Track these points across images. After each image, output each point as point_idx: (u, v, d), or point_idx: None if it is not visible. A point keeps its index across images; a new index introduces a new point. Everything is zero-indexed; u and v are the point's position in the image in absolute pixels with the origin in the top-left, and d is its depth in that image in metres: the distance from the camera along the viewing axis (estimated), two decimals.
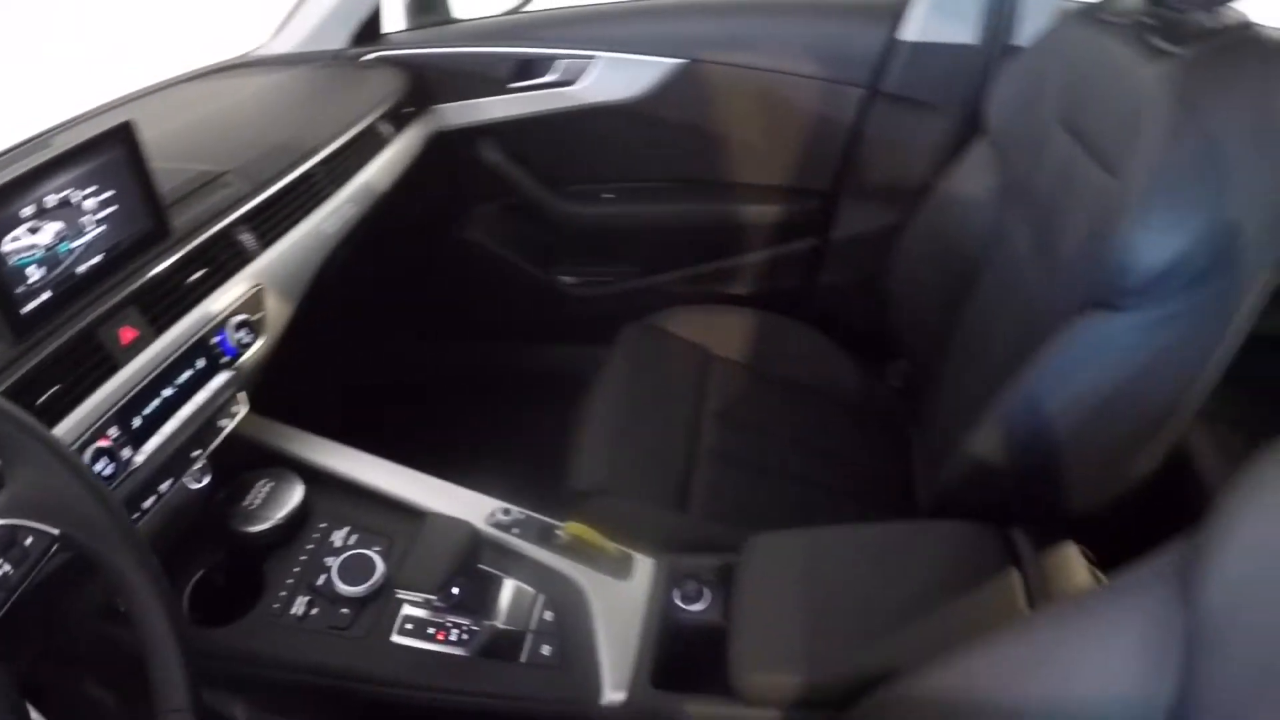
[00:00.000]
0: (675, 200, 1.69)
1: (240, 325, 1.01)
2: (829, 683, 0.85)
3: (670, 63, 1.56)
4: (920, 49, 1.46)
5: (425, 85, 1.58)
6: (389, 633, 0.96)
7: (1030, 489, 1.01)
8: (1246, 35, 0.91)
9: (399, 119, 1.49)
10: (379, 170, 1.38)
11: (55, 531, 0.62)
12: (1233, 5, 0.93)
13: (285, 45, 1.57)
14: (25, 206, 0.81)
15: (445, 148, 1.61)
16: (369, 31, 1.60)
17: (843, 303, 1.68)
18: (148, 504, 0.93)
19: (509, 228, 1.76)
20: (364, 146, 1.36)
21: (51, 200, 0.83)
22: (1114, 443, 0.96)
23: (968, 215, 1.28)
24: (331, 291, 1.24)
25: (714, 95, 1.59)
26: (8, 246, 0.79)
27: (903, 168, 1.54)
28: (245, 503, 1.05)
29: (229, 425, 1.05)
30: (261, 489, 1.07)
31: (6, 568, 0.64)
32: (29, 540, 0.64)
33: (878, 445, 1.40)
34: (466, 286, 1.80)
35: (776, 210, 1.67)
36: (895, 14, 1.47)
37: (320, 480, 1.11)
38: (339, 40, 1.57)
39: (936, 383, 1.30)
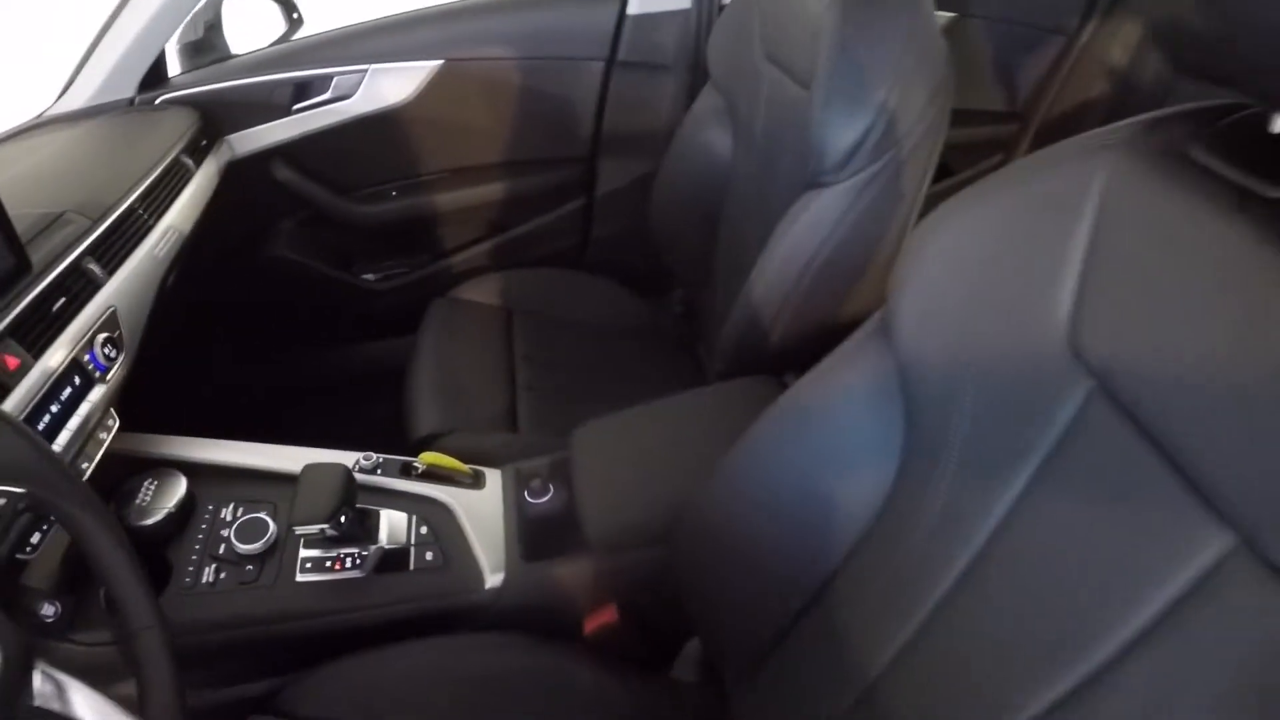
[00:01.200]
0: (454, 187, 1.89)
1: (105, 342, 1.14)
2: (657, 521, 1.08)
3: (430, 65, 1.75)
4: (645, 19, 1.71)
5: (214, 119, 1.70)
6: (292, 575, 1.12)
7: (786, 342, 1.27)
8: None
9: (197, 152, 1.61)
10: (188, 200, 1.51)
11: (22, 490, 0.76)
12: None
13: (76, 102, 1.64)
14: None
15: (241, 174, 1.74)
16: (155, 77, 1.69)
17: (618, 250, 1.93)
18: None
19: (310, 238, 1.90)
20: (173, 179, 1.49)
21: None
22: (838, 291, 1.23)
23: (706, 152, 1.54)
24: (172, 309, 1.37)
25: (473, 88, 1.79)
26: None
27: (648, 124, 1.80)
28: (136, 502, 1.18)
29: (107, 438, 1.17)
30: (149, 488, 1.19)
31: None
32: (1, 502, 0.77)
33: (670, 364, 1.65)
34: (283, 298, 1.92)
35: (545, 180, 1.89)
36: None
37: (199, 471, 1.24)
38: (128, 89, 1.66)
39: (711, 296, 1.56)
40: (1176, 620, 0.50)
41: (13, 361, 1.00)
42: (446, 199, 1.88)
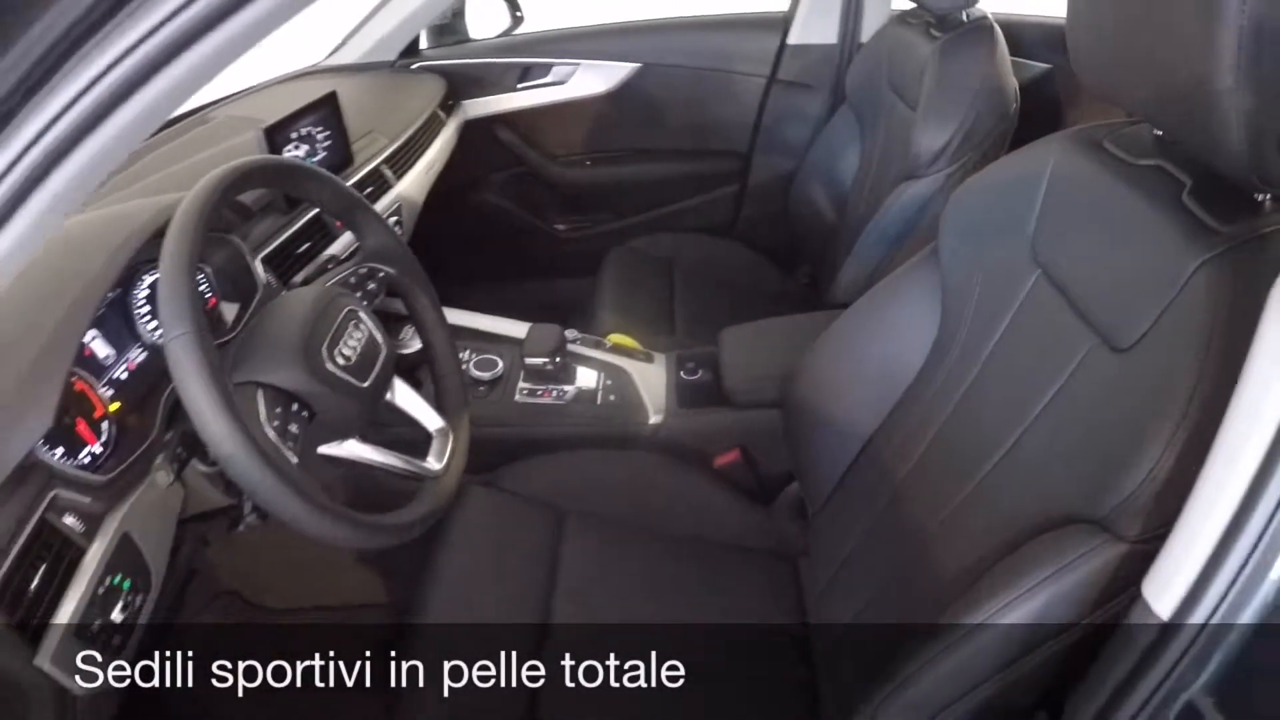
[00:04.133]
0: (636, 163, 2.36)
1: (395, 225, 1.63)
2: (775, 386, 1.46)
3: (629, 66, 2.24)
4: (800, 49, 2.17)
5: (456, 87, 2.22)
6: (512, 396, 1.58)
7: None
8: (982, 24, 1.64)
9: (445, 109, 2.13)
10: (440, 143, 2.02)
11: (393, 271, 1.22)
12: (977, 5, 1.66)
13: (347, 58, 2.18)
14: (292, 133, 1.43)
15: (472, 132, 2.25)
16: (412, 49, 2.23)
17: (761, 228, 2.37)
18: None
19: (517, 190, 2.40)
20: (433, 125, 2.00)
21: (303, 132, 1.46)
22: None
23: (838, 157, 1.99)
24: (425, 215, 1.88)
25: (660, 87, 2.27)
26: (287, 154, 1.42)
27: (795, 131, 2.25)
28: (400, 337, 1.63)
29: None
30: (408, 331, 1.63)
31: (366, 301, 1.22)
32: (380, 275, 1.23)
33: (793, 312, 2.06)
34: (485, 234, 2.42)
35: (708, 166, 2.35)
36: (785, 25, 2.18)
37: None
38: (390, 55, 2.19)
39: (831, 269, 1.98)
40: (1060, 395, 0.90)
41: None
42: (628, 171, 2.36)
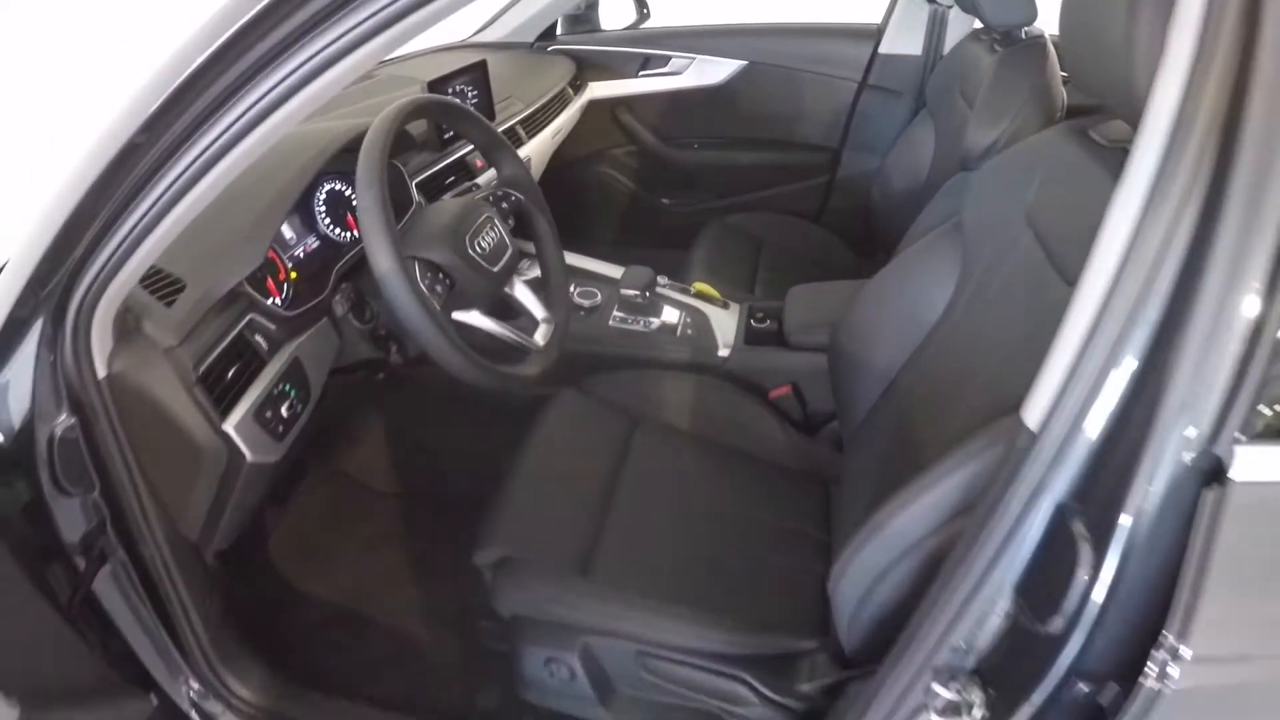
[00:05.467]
0: (738, 149, 2.63)
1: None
2: (824, 330, 1.70)
3: (738, 63, 2.51)
4: (890, 58, 2.41)
5: (584, 69, 2.53)
6: (605, 321, 1.86)
7: None
8: (1037, 42, 1.86)
9: (573, 88, 2.44)
10: (565, 117, 2.33)
11: (522, 197, 1.52)
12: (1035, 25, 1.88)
13: (491, 36, 2.52)
14: (448, 88, 1.75)
15: (595, 111, 2.55)
16: (548, 33, 2.55)
17: (845, 217, 2.61)
18: None
19: (630, 166, 2.69)
20: (561, 99, 2.31)
21: (457, 89, 1.78)
22: None
23: (918, 155, 2.21)
24: (550, 176, 2.18)
25: (764, 83, 2.53)
26: None
27: (881, 131, 2.48)
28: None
29: None
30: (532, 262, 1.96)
31: (500, 221, 1.52)
32: (511, 199, 1.53)
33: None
34: (597, 203, 2.72)
35: (802, 157, 2.60)
36: (878, 36, 2.42)
37: None
38: (530, 37, 2.53)
39: None
40: (1029, 321, 1.10)
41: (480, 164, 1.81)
42: (730, 156, 2.63)
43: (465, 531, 1.38)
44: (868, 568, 1.02)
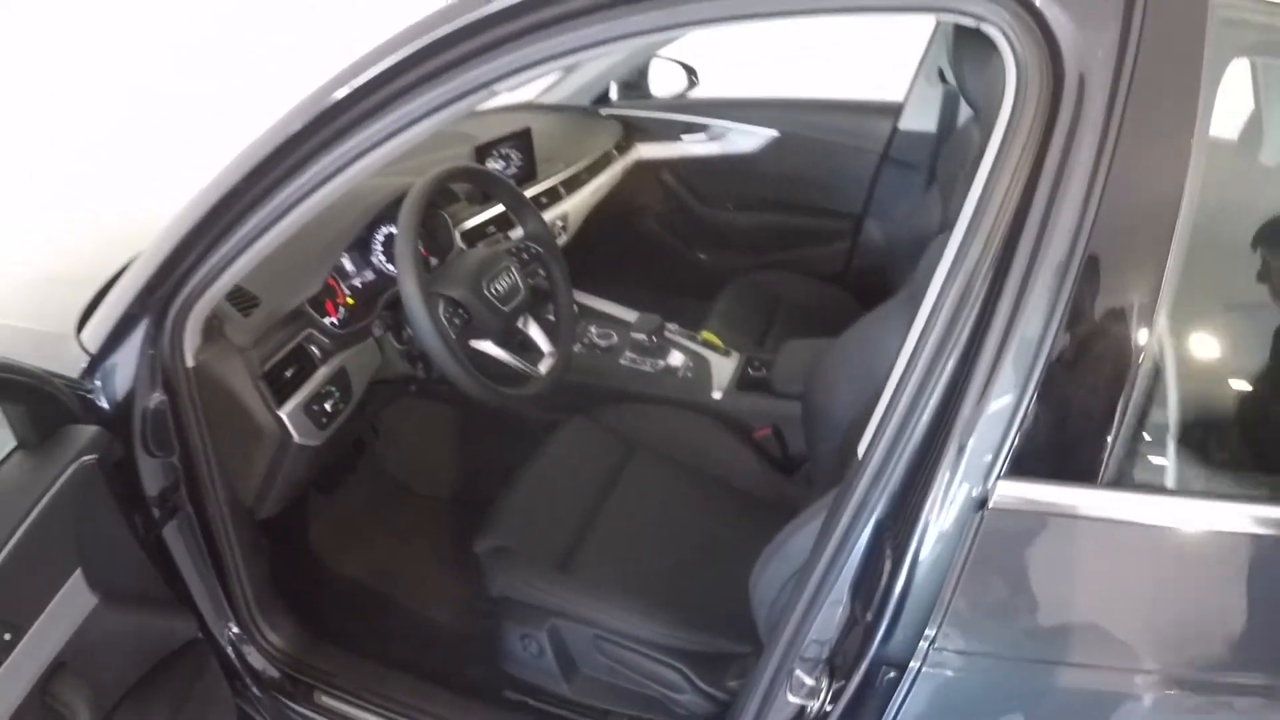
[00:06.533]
0: (767, 211, 2.87)
1: (561, 229, 2.23)
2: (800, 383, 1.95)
3: (772, 132, 2.76)
4: (907, 133, 2.63)
5: (631, 132, 2.81)
6: (618, 360, 2.12)
7: None
8: None
9: (619, 149, 2.73)
10: (609, 174, 2.62)
11: (541, 250, 1.80)
12: None
13: (553, 98, 2.82)
14: (494, 150, 2.05)
15: (639, 170, 2.83)
16: (603, 97, 2.85)
17: (864, 279, 2.82)
18: None
19: (669, 221, 2.96)
20: (607, 158, 2.60)
21: (503, 152, 2.08)
22: None
23: (929, 221, 2.43)
24: (594, 228, 2.47)
25: (796, 153, 2.77)
26: (489, 164, 2.03)
27: (900, 201, 2.70)
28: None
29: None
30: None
31: (518, 269, 1.81)
32: (532, 250, 1.81)
33: None
34: (640, 253, 2.99)
35: (828, 222, 2.83)
36: (898, 112, 2.65)
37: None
38: (586, 100, 2.82)
39: None
40: None
41: None
42: (760, 218, 2.88)
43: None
44: (776, 576, 1.25)
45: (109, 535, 1.22)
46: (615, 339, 2.17)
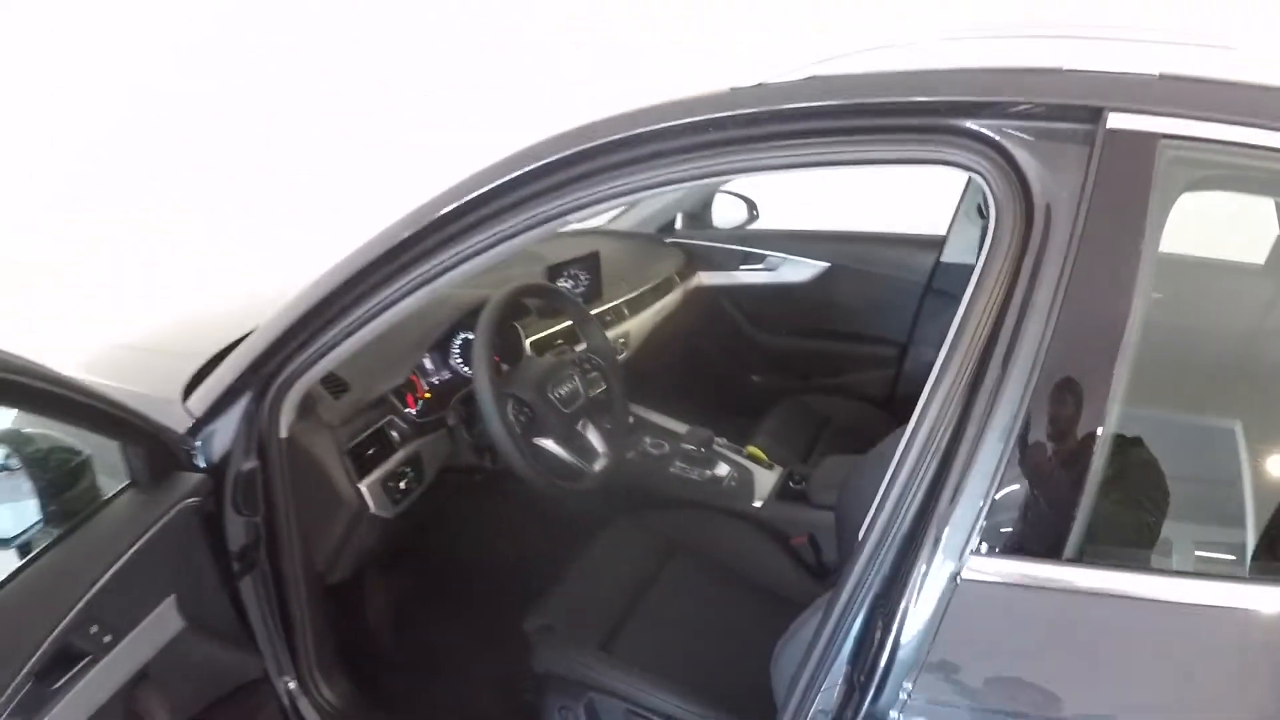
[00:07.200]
0: (820, 339, 3.04)
1: (621, 344, 2.43)
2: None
3: (823, 264, 2.96)
4: (949, 266, 2.80)
5: (693, 261, 3.04)
6: (668, 468, 2.27)
7: None
8: None
9: (680, 275, 2.95)
10: (669, 299, 2.83)
11: (603, 362, 2.00)
12: None
13: (625, 225, 3.07)
14: (565, 271, 2.27)
15: (699, 295, 3.04)
16: (668, 227, 3.09)
17: (909, 405, 2.92)
18: None
19: (725, 344, 3.15)
20: (668, 284, 2.82)
21: (572, 272, 2.30)
22: None
23: None
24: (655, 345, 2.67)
25: (845, 283, 2.95)
26: (559, 283, 2.25)
27: (942, 329, 2.83)
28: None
29: None
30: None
31: (580, 378, 1.99)
32: (593, 362, 2.01)
33: None
34: (698, 372, 3.16)
35: (876, 349, 2.98)
36: (941, 245, 2.82)
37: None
38: (653, 228, 3.07)
39: None
40: None
41: None
42: (811, 344, 3.05)
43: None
44: (793, 657, 1.36)
45: (200, 571, 1.39)
46: (666, 449, 2.33)
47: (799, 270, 2.99)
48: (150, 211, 5.42)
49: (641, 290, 2.67)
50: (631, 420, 2.15)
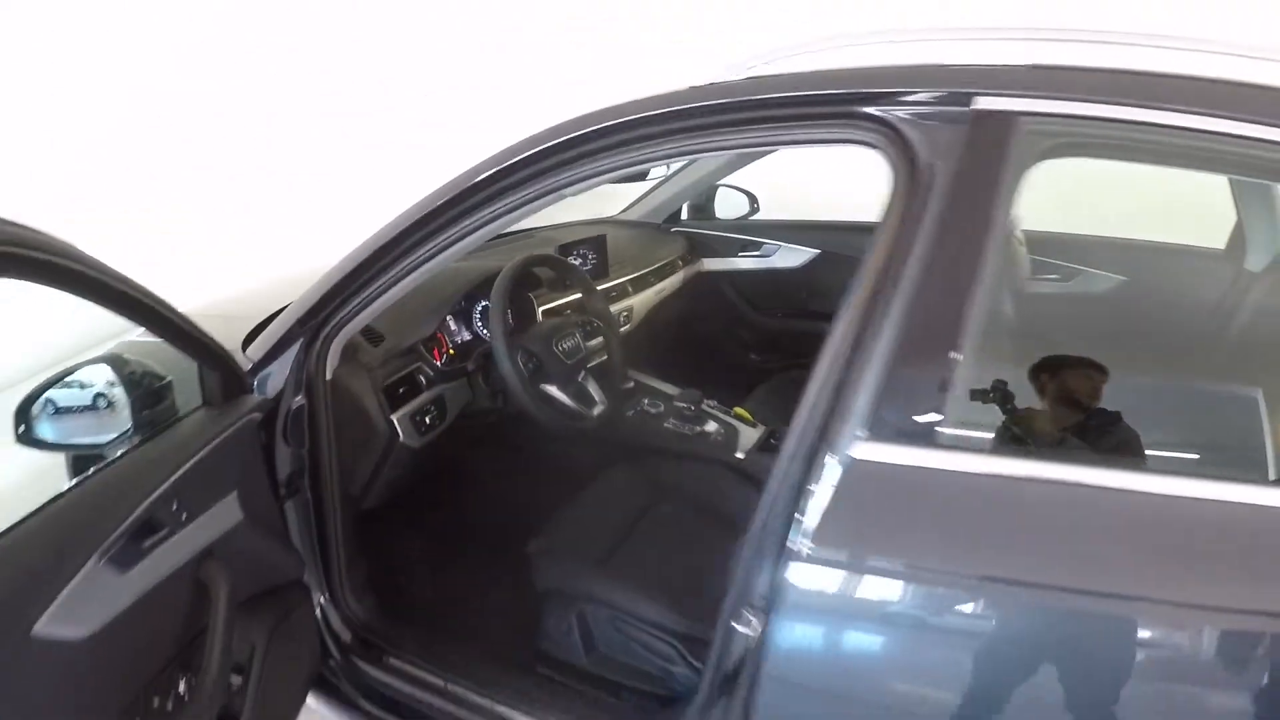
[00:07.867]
0: (812, 320, 3.28)
1: (625, 318, 2.72)
2: None
3: (813, 251, 3.23)
4: None
5: (695, 248, 3.33)
6: (663, 424, 2.55)
7: None
8: None
9: (684, 261, 3.24)
10: (670, 282, 3.12)
11: (600, 323, 2.30)
12: None
13: (633, 216, 3.36)
14: (575, 250, 2.58)
15: (700, 280, 3.33)
16: (674, 216, 3.38)
17: None
18: None
19: (725, 327, 3.43)
20: (670, 269, 3.11)
21: (581, 252, 2.61)
22: None
23: None
24: (658, 327, 2.96)
25: (835, 269, 3.23)
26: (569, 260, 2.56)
27: None
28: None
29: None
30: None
31: (581, 335, 2.29)
32: (594, 324, 2.31)
33: None
34: (699, 354, 3.43)
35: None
36: None
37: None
38: (659, 219, 3.36)
39: None
40: None
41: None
42: (805, 324, 3.29)
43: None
44: None
45: (257, 477, 1.67)
46: (662, 408, 2.61)
47: (792, 256, 3.27)
48: (150, 211, 5.54)
49: (645, 271, 2.97)
50: (631, 385, 2.45)
